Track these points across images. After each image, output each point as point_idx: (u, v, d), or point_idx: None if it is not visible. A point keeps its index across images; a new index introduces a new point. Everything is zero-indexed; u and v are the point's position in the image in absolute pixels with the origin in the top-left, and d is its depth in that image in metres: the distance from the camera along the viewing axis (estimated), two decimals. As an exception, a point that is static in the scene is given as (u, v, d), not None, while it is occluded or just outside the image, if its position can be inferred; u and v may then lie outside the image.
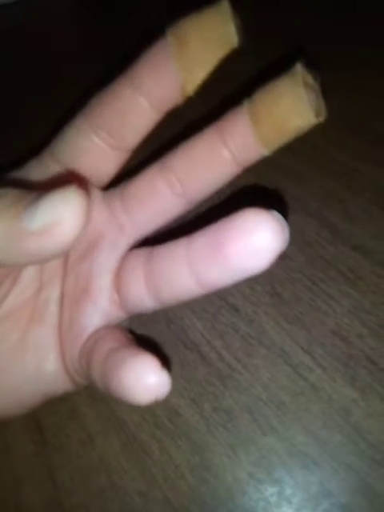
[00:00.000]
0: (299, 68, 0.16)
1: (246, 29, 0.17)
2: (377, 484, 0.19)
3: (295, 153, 0.28)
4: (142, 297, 0.17)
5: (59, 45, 0.44)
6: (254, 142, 0.17)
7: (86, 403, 0.22)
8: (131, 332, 0.19)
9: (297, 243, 0.25)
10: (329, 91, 0.29)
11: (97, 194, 0.20)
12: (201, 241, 0.15)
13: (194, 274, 0.15)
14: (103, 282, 0.19)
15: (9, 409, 0.19)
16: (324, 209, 0.26)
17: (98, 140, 0.18)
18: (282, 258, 0.24)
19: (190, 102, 0.18)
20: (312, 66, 0.17)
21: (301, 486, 0.19)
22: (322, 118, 0.16)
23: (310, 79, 0.16)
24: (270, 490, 0.19)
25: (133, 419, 0.21)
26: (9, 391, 0.19)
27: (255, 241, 0.13)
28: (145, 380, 0.14)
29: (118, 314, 0.19)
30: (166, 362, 0.14)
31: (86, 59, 0.41)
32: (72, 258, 0.20)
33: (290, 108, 0.16)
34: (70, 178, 0.18)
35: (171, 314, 0.24)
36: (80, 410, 0.22)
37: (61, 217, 0.13)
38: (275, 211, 0.13)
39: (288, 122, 0.16)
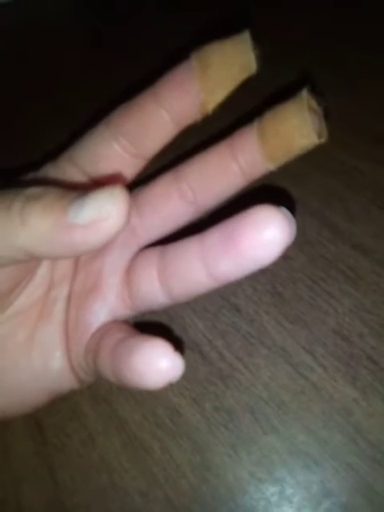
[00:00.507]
0: (305, 94, 0.18)
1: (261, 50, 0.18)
2: (377, 483, 0.19)
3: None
4: (154, 293, 0.18)
5: (60, 44, 0.44)
6: (261, 158, 0.18)
7: (86, 403, 0.22)
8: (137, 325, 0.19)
9: (297, 242, 0.25)
10: (329, 90, 0.30)
11: None
12: (214, 235, 0.16)
13: (207, 267, 0.16)
14: (113, 279, 0.19)
15: (14, 407, 0.19)
16: (324, 208, 0.26)
17: (119, 147, 0.19)
18: (283, 258, 0.24)
19: (207, 118, 0.19)
20: (317, 92, 0.18)
21: (302, 486, 0.19)
22: (323, 140, 0.18)
23: (314, 104, 0.18)
24: (271, 490, 0.19)
25: (134, 419, 0.21)
26: (14, 388, 0.19)
27: (267, 234, 0.14)
28: (157, 364, 0.14)
29: (124, 312, 0.19)
30: (178, 346, 0.14)
31: (87, 59, 0.41)
32: (83, 258, 0.21)
33: (295, 129, 0.18)
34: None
35: (172, 314, 0.24)
36: (81, 409, 0.22)
37: (107, 213, 0.14)
38: (284, 208, 0.15)
39: (293, 142, 0.18)
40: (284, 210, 0.14)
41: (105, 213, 0.14)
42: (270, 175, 0.27)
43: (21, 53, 0.44)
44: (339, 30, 0.36)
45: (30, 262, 0.17)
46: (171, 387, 0.22)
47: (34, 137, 0.35)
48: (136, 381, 0.15)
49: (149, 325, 0.24)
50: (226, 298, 0.24)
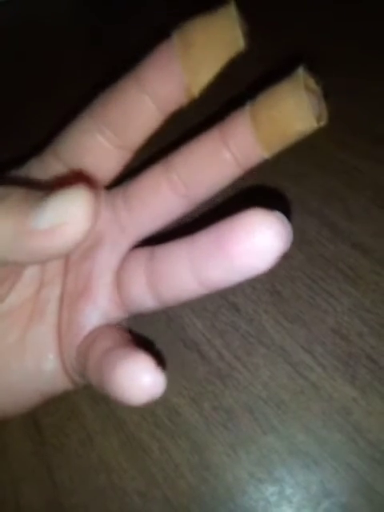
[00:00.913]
0: (301, 72, 0.16)
1: (250, 28, 0.17)
2: (377, 483, 0.18)
3: (295, 151, 0.28)
4: (143, 296, 0.17)
5: (59, 43, 0.44)
6: (255, 145, 0.17)
7: (85, 403, 0.22)
8: (130, 331, 0.18)
9: (297, 242, 0.25)
10: (329, 90, 0.29)
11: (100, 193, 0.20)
12: (203, 240, 0.15)
13: (196, 273, 0.15)
14: (103, 280, 0.19)
15: (7, 408, 0.19)
16: (324, 207, 0.26)
17: (103, 139, 0.18)
18: (282, 257, 0.24)
19: (194, 103, 0.18)
20: (314, 70, 0.17)
21: (301, 486, 0.19)
22: (323, 123, 0.16)
23: (312, 83, 0.16)
24: (271, 490, 0.19)
25: (132, 419, 0.21)
26: (7, 390, 0.19)
27: (259, 241, 0.13)
28: (139, 380, 0.14)
29: (117, 314, 0.19)
30: (161, 361, 0.14)
31: (86, 58, 0.41)
32: (73, 257, 0.20)
33: (291, 112, 0.16)
34: (78, 178, 0.18)
35: (171, 313, 0.24)
36: (79, 409, 0.22)
37: (69, 217, 0.13)
38: (278, 212, 0.13)
39: (289, 126, 0.16)
40: (278, 213, 0.13)
41: (67, 217, 0.13)
42: (270, 174, 0.27)
43: (20, 51, 0.44)
44: (339, 29, 0.36)
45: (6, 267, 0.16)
46: (170, 387, 0.22)
47: (34, 135, 0.35)
48: (118, 394, 0.14)
49: (144, 325, 0.24)
50: (224, 297, 0.24)
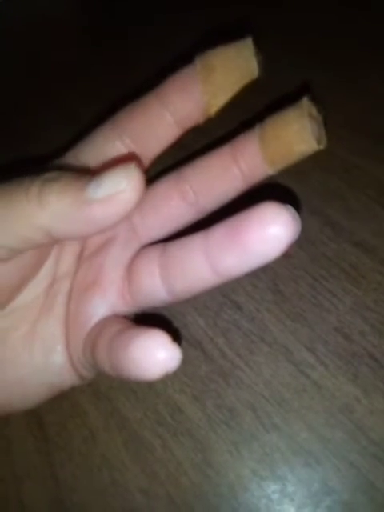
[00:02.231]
0: (305, 101, 0.18)
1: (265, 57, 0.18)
2: (379, 481, 0.19)
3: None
4: (155, 289, 0.18)
5: (60, 43, 0.44)
6: (261, 162, 0.19)
7: (88, 400, 0.22)
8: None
9: (299, 241, 0.24)
10: (330, 88, 0.30)
11: None
12: (219, 231, 0.16)
13: (211, 262, 0.16)
14: (114, 274, 0.19)
15: (15, 401, 0.19)
16: (326, 206, 0.26)
17: (123, 146, 0.20)
18: (285, 256, 0.24)
19: (210, 121, 0.19)
20: (317, 101, 0.19)
21: (303, 483, 0.19)
22: (322, 146, 0.19)
23: (314, 111, 0.19)
24: (273, 487, 0.19)
25: (135, 416, 0.21)
26: (16, 383, 0.19)
27: (272, 230, 0.14)
28: (155, 354, 0.14)
29: (124, 308, 0.19)
30: (176, 337, 0.14)
31: (86, 58, 0.41)
32: (86, 254, 0.21)
33: (295, 135, 0.18)
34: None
35: (173, 311, 0.24)
36: (82, 407, 0.22)
37: (124, 186, 0.15)
38: (289, 205, 0.15)
39: (292, 147, 0.18)
40: (289, 207, 0.15)
41: (121, 187, 0.15)
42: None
43: (20, 51, 0.44)
44: (340, 28, 0.36)
45: (47, 245, 0.17)
46: (172, 384, 0.22)
47: (33, 135, 0.35)
48: (133, 371, 0.15)
49: (148, 318, 0.24)
50: (227, 296, 0.24)
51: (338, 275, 0.23)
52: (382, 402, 0.20)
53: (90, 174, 0.16)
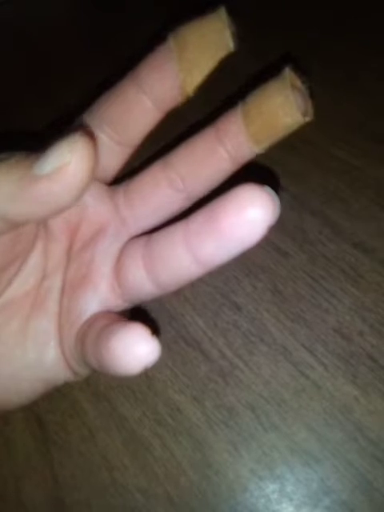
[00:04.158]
0: (287, 71, 0.18)
1: (246, 27, 0.18)
2: (377, 481, 0.19)
3: (296, 151, 0.28)
4: (142, 281, 0.17)
5: (59, 43, 0.44)
6: (247, 141, 0.18)
7: (87, 400, 0.22)
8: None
9: (298, 241, 0.25)
10: (330, 89, 0.30)
11: (101, 188, 0.21)
12: (197, 219, 0.16)
13: (191, 251, 0.16)
14: (104, 268, 0.19)
15: (8, 398, 0.19)
16: (325, 207, 0.26)
17: (103, 135, 0.19)
18: (284, 256, 0.25)
19: (190, 103, 0.19)
20: (301, 70, 0.18)
21: (302, 483, 0.19)
22: (309, 118, 0.18)
23: (297, 82, 0.18)
24: (271, 487, 0.19)
25: (134, 416, 0.21)
26: (10, 379, 0.19)
27: (249, 213, 0.14)
28: (134, 349, 0.14)
29: (116, 302, 0.19)
30: (154, 331, 0.14)
31: (86, 58, 0.41)
32: (75, 248, 0.20)
33: (278, 108, 0.18)
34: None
35: (173, 311, 0.24)
36: (81, 406, 0.22)
37: (70, 157, 0.14)
38: (267, 186, 0.14)
39: (277, 121, 0.18)
40: (267, 188, 0.14)
41: (68, 157, 0.14)
42: (271, 173, 0.27)
43: (20, 51, 0.44)
44: (339, 28, 0.36)
45: (11, 232, 0.17)
46: (172, 384, 0.22)
47: (30, 132, 0.35)
48: (114, 365, 0.14)
49: (139, 313, 0.24)
50: (226, 296, 0.24)
51: (337, 276, 0.23)
52: (380, 402, 0.20)
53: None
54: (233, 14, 0.17)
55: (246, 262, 0.24)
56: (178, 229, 0.16)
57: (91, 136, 0.19)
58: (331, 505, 0.19)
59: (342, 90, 0.31)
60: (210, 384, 0.22)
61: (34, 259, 0.20)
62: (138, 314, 0.24)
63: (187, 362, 0.22)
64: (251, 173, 0.24)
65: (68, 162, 0.14)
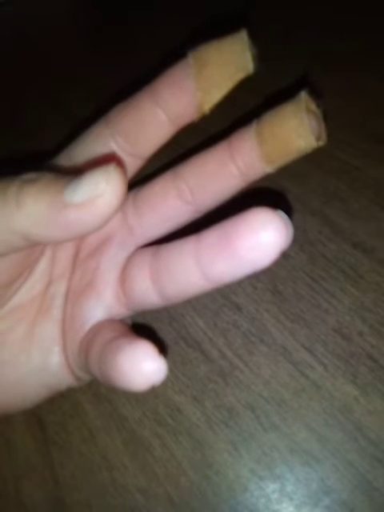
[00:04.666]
0: (303, 95, 0.18)
1: (265, 46, 0.18)
2: (377, 481, 0.19)
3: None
4: (147, 292, 0.18)
5: (59, 43, 0.44)
6: (259, 160, 0.18)
7: (87, 400, 0.22)
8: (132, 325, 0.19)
9: (298, 241, 0.25)
10: (330, 90, 0.30)
11: None
12: (210, 236, 0.16)
13: (201, 267, 0.16)
14: (109, 276, 0.19)
15: (13, 402, 0.19)
16: (325, 207, 0.26)
17: (116, 146, 0.19)
18: (284, 257, 0.25)
19: (205, 118, 0.19)
20: (315, 94, 0.18)
21: (302, 483, 0.19)
22: (322, 142, 0.18)
23: (313, 106, 0.18)
24: (272, 487, 0.19)
25: (134, 416, 0.21)
26: (15, 384, 0.19)
27: (262, 237, 0.14)
28: (141, 366, 0.14)
29: (120, 311, 0.19)
30: (162, 349, 0.14)
31: (86, 58, 0.41)
32: (81, 255, 0.20)
33: (292, 131, 0.18)
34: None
35: (173, 312, 0.24)
36: (82, 407, 0.22)
37: (102, 190, 0.14)
38: (281, 211, 0.14)
39: (290, 144, 0.18)
40: (282, 213, 0.14)
41: (99, 190, 0.14)
42: (271, 174, 0.27)
43: (20, 51, 0.44)
44: (340, 28, 0.36)
45: (28, 248, 0.17)
46: (172, 385, 0.22)
47: (33, 135, 0.35)
48: (120, 382, 0.14)
49: (146, 323, 0.24)
50: (226, 297, 0.24)
51: (336, 276, 0.23)
52: (380, 403, 0.20)
53: (74, 174, 0.15)
54: (252, 34, 0.17)
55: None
56: (189, 243, 0.16)
57: (122, 166, 0.19)
58: (331, 504, 0.19)
59: (342, 91, 0.31)
60: (210, 384, 0.22)
61: (42, 266, 0.20)
62: (143, 327, 0.24)
63: (187, 363, 0.22)
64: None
65: (101, 195, 0.14)
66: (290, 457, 0.20)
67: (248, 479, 0.20)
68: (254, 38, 0.17)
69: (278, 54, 0.32)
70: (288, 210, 0.15)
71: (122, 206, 0.20)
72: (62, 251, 0.21)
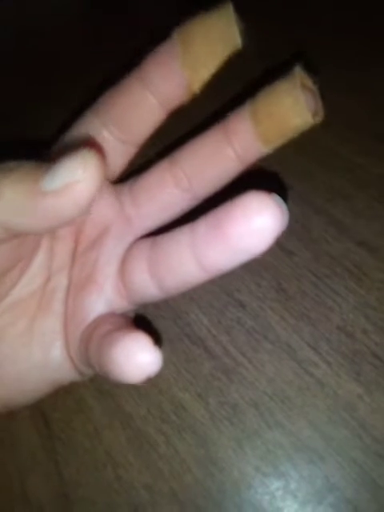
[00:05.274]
0: (297, 71, 0.17)
1: (250, 27, 0.17)
2: (381, 479, 0.19)
3: (300, 149, 0.28)
4: (146, 285, 0.17)
5: (59, 43, 0.44)
6: (255, 141, 0.18)
7: (92, 397, 0.22)
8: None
9: (302, 239, 0.25)
10: (333, 88, 0.30)
11: (107, 187, 0.20)
12: (203, 224, 0.15)
13: (196, 257, 0.15)
14: (109, 269, 0.19)
15: (14, 397, 0.19)
16: (329, 205, 0.26)
17: (108, 134, 0.19)
18: (288, 254, 0.25)
19: (197, 101, 0.18)
20: (311, 69, 0.18)
21: (306, 480, 0.19)
22: (319, 119, 0.17)
23: (308, 82, 0.18)
24: (276, 484, 0.19)
25: (139, 413, 0.22)
26: (16, 378, 0.19)
27: (256, 222, 0.13)
28: (136, 358, 0.14)
29: (121, 304, 0.19)
30: (157, 340, 0.14)
31: (86, 58, 0.41)
32: (80, 248, 0.20)
33: (287, 108, 0.17)
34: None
35: (177, 309, 0.24)
36: (86, 403, 0.22)
37: (79, 175, 0.13)
38: (276, 194, 0.14)
39: (286, 122, 0.17)
40: (276, 196, 0.14)
41: (77, 175, 0.13)
42: (273, 172, 0.27)
43: (20, 51, 0.44)
44: (342, 25, 0.36)
45: (12, 239, 0.17)
46: (176, 382, 0.22)
47: (33, 135, 0.35)
48: (116, 373, 0.14)
49: (150, 320, 0.24)
50: (230, 294, 0.24)
51: (341, 274, 0.23)
52: (384, 400, 0.20)
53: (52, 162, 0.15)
54: (239, 10, 0.17)
55: (250, 260, 0.24)
56: (184, 233, 0.16)
57: (100, 150, 0.18)
58: (335, 502, 0.19)
59: (347, 89, 0.31)
60: (214, 381, 0.22)
61: (40, 259, 0.20)
62: (142, 319, 0.24)
63: (191, 360, 0.22)
64: (255, 173, 0.24)
65: (78, 180, 0.13)
66: (295, 454, 0.20)
67: (252, 476, 0.20)
68: (241, 12, 0.17)
69: (286, 52, 0.32)
70: (283, 194, 0.15)
71: (119, 197, 0.20)
72: (59, 245, 0.20)
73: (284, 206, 0.14)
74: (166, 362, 0.22)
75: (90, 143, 0.19)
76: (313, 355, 0.22)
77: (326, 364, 0.21)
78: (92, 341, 0.17)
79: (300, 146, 0.28)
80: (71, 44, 0.44)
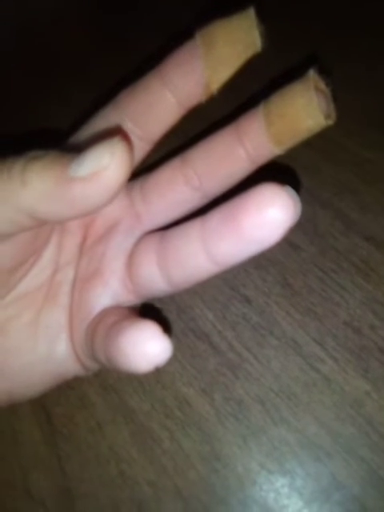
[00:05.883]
0: (311, 73, 0.18)
1: (269, 29, 0.18)
2: (388, 476, 0.18)
3: (308, 144, 0.28)
4: (154, 278, 0.17)
5: (59, 43, 0.44)
6: (267, 142, 0.18)
7: (95, 392, 0.22)
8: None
9: (309, 234, 0.24)
10: (341, 82, 0.29)
11: None
12: (214, 217, 0.15)
13: (207, 249, 0.15)
14: (116, 263, 0.19)
15: (18, 390, 0.19)
16: (336, 200, 0.26)
17: (125, 130, 0.19)
18: (294, 249, 0.24)
19: (213, 101, 0.18)
20: (325, 71, 0.18)
21: (312, 478, 0.19)
22: (331, 121, 0.18)
23: (321, 84, 0.18)
24: (281, 481, 0.19)
25: (142, 408, 0.21)
26: (20, 371, 0.19)
27: (269, 213, 0.13)
28: (144, 347, 0.14)
29: (128, 298, 0.19)
30: (166, 329, 0.14)
31: (86, 57, 0.41)
32: (88, 242, 0.20)
33: (300, 110, 0.17)
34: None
35: (182, 304, 0.24)
36: (89, 398, 0.22)
37: (107, 163, 0.13)
38: (288, 186, 0.14)
39: (299, 123, 0.18)
40: (288, 188, 0.14)
41: (105, 163, 0.14)
42: (281, 165, 0.27)
43: (20, 50, 0.44)
44: (353, 18, 0.35)
45: (35, 228, 0.17)
46: (180, 377, 0.22)
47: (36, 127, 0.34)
48: (124, 364, 0.14)
49: (151, 309, 0.24)
50: (236, 289, 0.24)
51: (348, 269, 0.23)
52: (392, 397, 0.20)
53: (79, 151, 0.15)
54: (261, 13, 0.17)
55: (256, 255, 0.24)
56: (194, 226, 0.16)
57: (128, 140, 0.19)
58: (342, 500, 0.18)
59: (355, 83, 0.30)
60: (219, 377, 0.21)
61: (49, 252, 0.20)
62: (149, 310, 0.23)
63: (196, 355, 0.22)
64: (266, 167, 0.24)
65: (106, 167, 0.14)
66: (301, 451, 0.19)
67: (257, 473, 0.19)
68: (262, 17, 0.17)
69: (289, 43, 0.31)
70: (296, 186, 0.15)
71: (129, 193, 0.20)
72: (68, 238, 0.20)
73: (297, 197, 0.14)
74: (171, 358, 0.22)
75: (118, 132, 0.19)
76: (319, 351, 0.21)
77: (332, 360, 0.21)
78: (98, 333, 0.16)
79: (307, 140, 0.28)
80: (72, 40, 0.43)
